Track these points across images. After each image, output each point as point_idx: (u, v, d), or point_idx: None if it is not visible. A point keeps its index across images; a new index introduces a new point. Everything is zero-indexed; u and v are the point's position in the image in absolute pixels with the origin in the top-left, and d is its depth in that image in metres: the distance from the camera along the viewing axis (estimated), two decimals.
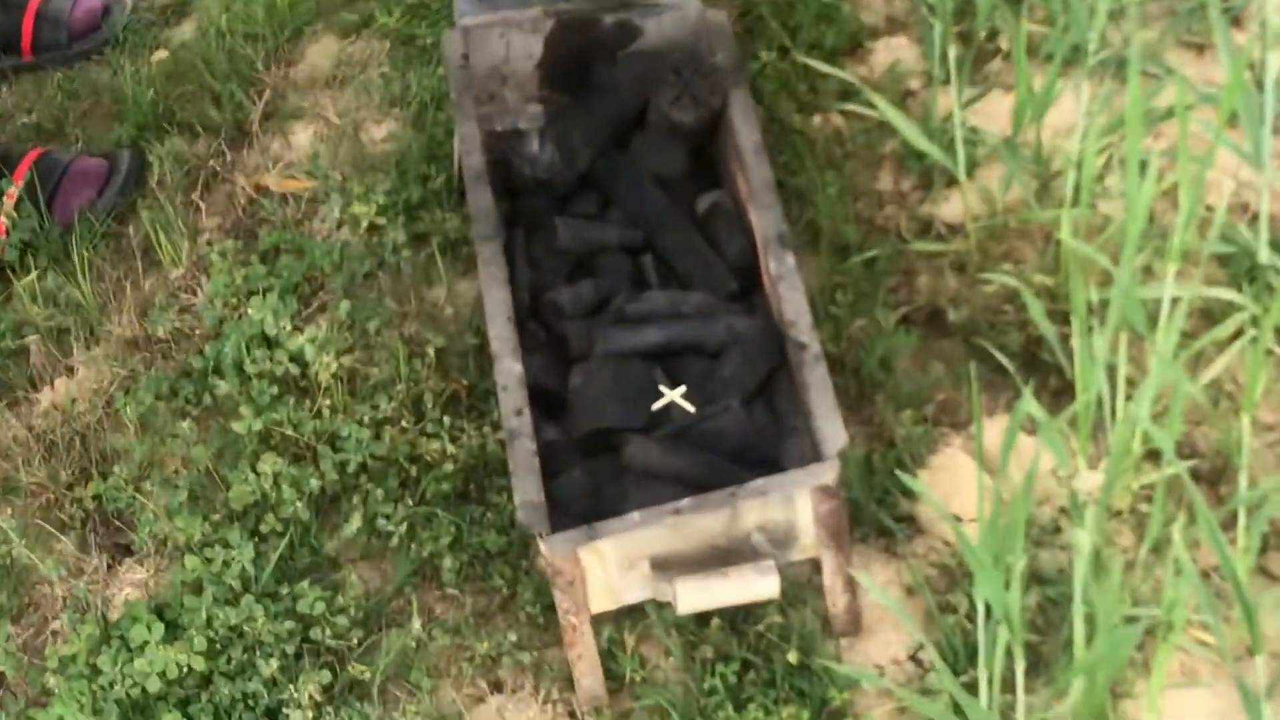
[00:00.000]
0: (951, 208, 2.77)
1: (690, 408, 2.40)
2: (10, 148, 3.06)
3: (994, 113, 2.82)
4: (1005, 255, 2.70)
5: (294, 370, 2.67)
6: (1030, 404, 2.21)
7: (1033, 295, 2.47)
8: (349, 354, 2.70)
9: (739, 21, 3.00)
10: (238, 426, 2.60)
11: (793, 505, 2.23)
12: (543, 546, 2.20)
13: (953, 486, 2.49)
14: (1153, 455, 2.42)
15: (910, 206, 2.80)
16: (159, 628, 2.42)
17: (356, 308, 2.77)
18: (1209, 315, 2.54)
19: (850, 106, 2.80)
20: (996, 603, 2.07)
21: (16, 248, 2.96)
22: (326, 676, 2.39)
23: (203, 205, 3.02)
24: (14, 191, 2.95)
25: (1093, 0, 2.54)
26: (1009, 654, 2.13)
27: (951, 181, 2.75)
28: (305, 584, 2.48)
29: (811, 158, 2.84)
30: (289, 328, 2.71)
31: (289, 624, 2.43)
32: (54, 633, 2.54)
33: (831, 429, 2.24)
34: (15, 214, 2.96)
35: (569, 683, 2.36)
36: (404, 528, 2.53)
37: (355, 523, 2.54)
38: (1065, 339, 2.48)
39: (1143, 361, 2.49)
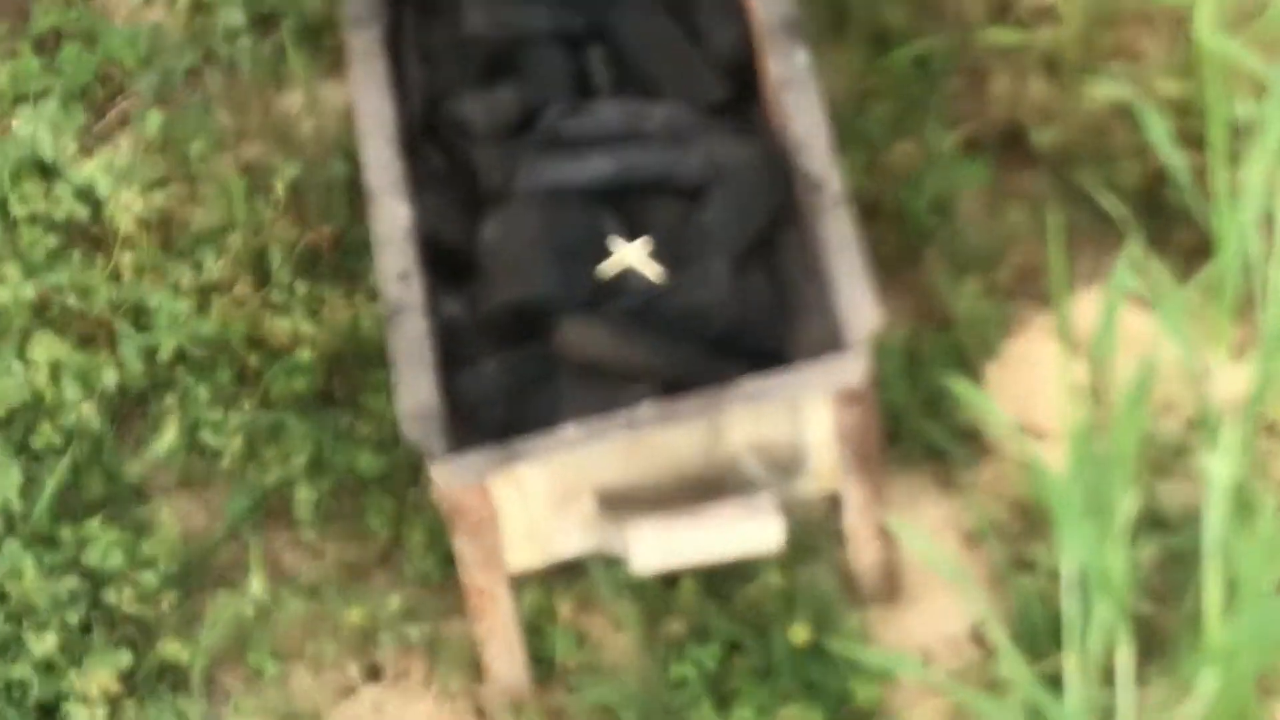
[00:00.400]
0: None
1: (656, 272, 2.36)
2: None
3: None
4: (1116, 51, 2.67)
5: (81, 212, 2.65)
6: (1146, 267, 2.17)
7: (1154, 109, 2.42)
8: (160, 189, 2.67)
9: None
10: (0, 293, 2.57)
11: (801, 415, 2.22)
12: (438, 472, 2.17)
13: (1034, 386, 2.49)
14: None
15: None
16: None
17: (173, 122, 2.74)
18: None
19: None
20: (1091, 560, 2.04)
21: None
22: (126, 658, 2.38)
23: None
24: None
25: None
26: (1110, 632, 2.10)
27: None
28: (96, 523, 2.46)
29: None
30: (74, 150, 2.68)
31: (71, 582, 2.41)
32: None
33: (859, 303, 2.21)
34: None
35: (476, 668, 2.36)
36: (239, 443, 2.51)
37: (169, 435, 2.52)
38: (1200, 174, 2.44)
39: None
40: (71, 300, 2.58)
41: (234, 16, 2.80)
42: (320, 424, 2.52)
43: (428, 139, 2.51)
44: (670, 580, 2.37)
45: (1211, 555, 2.10)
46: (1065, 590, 2.12)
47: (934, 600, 2.39)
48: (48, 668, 2.37)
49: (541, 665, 2.36)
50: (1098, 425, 2.04)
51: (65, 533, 2.45)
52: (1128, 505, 2.05)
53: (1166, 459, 2.41)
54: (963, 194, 2.62)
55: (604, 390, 2.27)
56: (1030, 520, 2.39)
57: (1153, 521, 2.34)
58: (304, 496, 2.46)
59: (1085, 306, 2.47)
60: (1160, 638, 2.28)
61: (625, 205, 2.44)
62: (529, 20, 2.57)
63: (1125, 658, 2.11)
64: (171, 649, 2.40)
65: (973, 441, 2.47)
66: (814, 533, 2.40)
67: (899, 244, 2.59)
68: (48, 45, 2.85)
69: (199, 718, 2.36)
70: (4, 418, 2.53)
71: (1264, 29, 2.51)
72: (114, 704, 2.36)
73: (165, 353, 2.54)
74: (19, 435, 2.53)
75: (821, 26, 2.69)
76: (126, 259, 2.60)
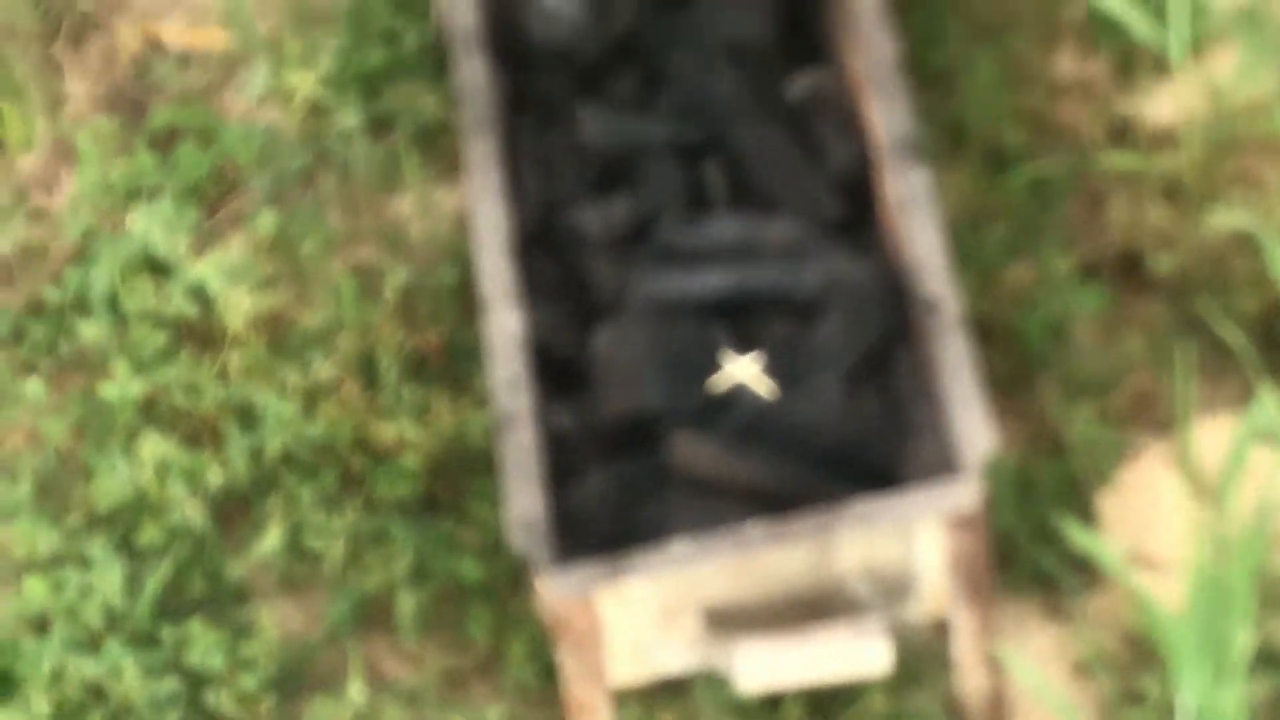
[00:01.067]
0: (1161, 105, 2.75)
1: (768, 388, 2.37)
2: None
3: None
4: (1238, 178, 2.67)
5: (191, 310, 2.68)
6: (1270, 401, 2.17)
7: (1276, 239, 2.43)
8: (271, 289, 2.71)
9: None
10: (108, 390, 2.61)
11: (912, 538, 2.23)
12: (543, 584, 2.18)
13: (1148, 516, 2.47)
14: None
15: (1101, 100, 2.78)
16: None
17: (285, 222, 2.77)
18: None
19: None
20: (1205, 697, 2.05)
21: None
22: None
23: (68, 63, 3.01)
24: None
25: None
26: None
27: (1162, 66, 2.73)
28: (197, 624, 2.47)
29: (958, 24, 2.82)
30: (186, 248, 2.71)
31: (171, 683, 2.42)
32: None
33: (973, 426, 2.21)
34: None
35: None
36: (342, 546, 2.53)
37: (273, 537, 2.53)
38: None
39: None
40: (179, 399, 2.60)
41: (349, 119, 2.83)
42: (423, 530, 2.52)
43: (542, 247, 2.52)
44: (773, 701, 2.35)
45: None
46: None
47: None
48: None
49: None
50: (1215, 559, 2.04)
51: (166, 632, 2.46)
52: (1243, 643, 2.04)
53: None
54: (1078, 318, 2.61)
55: (713, 506, 2.26)
56: (1141, 652, 2.37)
57: (1266, 658, 2.32)
58: (405, 603, 2.46)
59: (1202, 437, 2.48)
60: None
61: (738, 320, 2.45)
62: (646, 131, 2.60)
63: None
64: None
65: (1084, 570, 2.45)
66: (921, 658, 2.39)
67: (1013, 367, 2.59)
68: (163, 142, 2.88)
69: None
70: (108, 515, 2.54)
71: None
72: None
73: (271, 454, 2.56)
74: (122, 533, 2.53)
75: (941, 147, 2.71)
76: (235, 358, 2.62)
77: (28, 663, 2.42)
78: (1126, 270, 2.66)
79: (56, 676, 2.41)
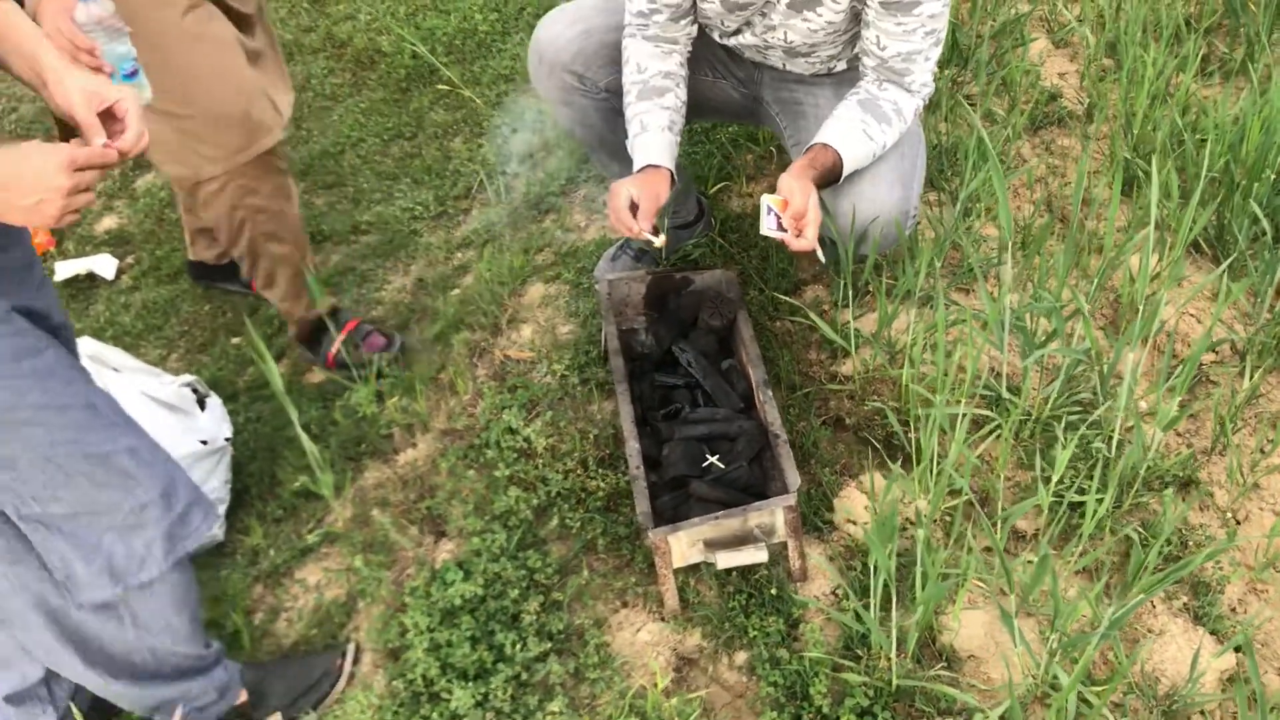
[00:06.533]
0: (847, 368, 2.75)
1: (722, 465, 2.41)
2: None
3: (868, 320, 2.82)
4: (875, 391, 2.67)
5: (524, 444, 2.64)
6: (892, 467, 2.23)
7: (891, 411, 2.46)
8: (552, 436, 2.67)
9: (740, 275, 2.98)
10: (497, 473, 2.59)
11: (774, 515, 2.23)
12: (650, 534, 2.20)
13: (852, 508, 2.46)
14: (955, 492, 2.39)
15: (826, 366, 2.78)
16: (459, 574, 2.37)
17: (556, 414, 2.73)
18: (979, 422, 2.51)
19: (796, 318, 2.80)
20: (881, 563, 2.04)
21: (385, 387, 2.94)
22: (540, 599, 2.31)
23: (477, 364, 2.98)
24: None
25: (915, 269, 2.56)
26: (885, 590, 2.13)
27: (847, 354, 2.74)
28: (531, 552, 2.42)
29: (776, 342, 2.82)
30: (522, 424, 2.68)
31: (521, 572, 2.35)
32: (407, 575, 2.49)
33: (792, 477, 2.24)
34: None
35: (660, 602, 2.32)
36: (579, 523, 2.48)
37: (554, 520, 2.49)
38: (908, 434, 2.48)
39: (947, 445, 2.46)
40: (522, 474, 2.46)
41: (574, 379, 2.67)
42: (607, 518, 2.42)
43: (645, 420, 2.54)
44: (729, 571, 2.25)
45: (919, 563, 2.06)
46: (871, 575, 2.09)
47: (820, 581, 2.29)
48: (515, 602, 2.28)
49: (684, 602, 2.24)
50: (879, 519, 2.00)
51: (519, 555, 2.35)
52: (891, 546, 1.97)
53: (905, 531, 2.31)
54: (823, 441, 2.53)
55: (706, 507, 2.28)
56: (853, 552, 2.33)
57: (900, 553, 2.26)
58: (601, 542, 2.33)
59: (868, 481, 2.44)
60: (901, 594, 2.20)
61: (711, 443, 2.46)
62: (675, 381, 2.62)
63: (893, 596, 2.07)
64: (556, 596, 2.29)
65: (831, 526, 2.40)
66: (779, 555, 2.35)
67: (803, 457, 2.54)
68: (512, 389, 2.73)
69: (564, 624, 2.25)
70: (499, 514, 2.41)
71: (929, 382, 2.49)
72: (538, 616, 2.27)
73: (553, 494, 2.43)
74: (505, 521, 2.40)
75: (774, 383, 2.70)
76: (541, 460, 2.49)
77: (475, 565, 2.33)
78: (839, 424, 2.61)
79: (484, 570, 2.31)
